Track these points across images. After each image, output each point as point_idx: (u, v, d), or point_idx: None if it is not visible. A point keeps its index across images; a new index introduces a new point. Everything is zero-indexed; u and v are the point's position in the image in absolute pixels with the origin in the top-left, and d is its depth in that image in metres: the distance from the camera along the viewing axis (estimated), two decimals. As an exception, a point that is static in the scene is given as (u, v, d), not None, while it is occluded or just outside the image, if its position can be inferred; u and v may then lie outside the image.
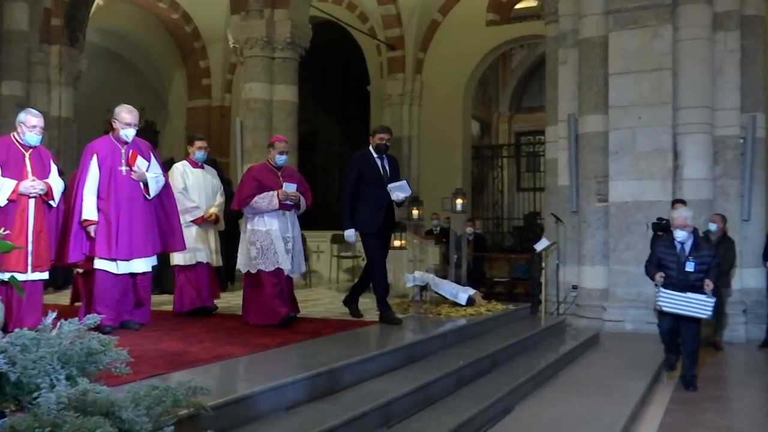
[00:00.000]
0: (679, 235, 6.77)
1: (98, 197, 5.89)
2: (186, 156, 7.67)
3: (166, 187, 6.29)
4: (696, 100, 9.49)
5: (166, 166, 7.09)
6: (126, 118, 5.98)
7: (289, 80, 13.34)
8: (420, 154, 18.18)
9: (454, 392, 5.37)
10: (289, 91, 13.36)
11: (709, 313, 6.73)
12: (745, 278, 9.61)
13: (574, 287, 10.37)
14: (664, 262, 6.84)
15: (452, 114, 17.87)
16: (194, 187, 7.38)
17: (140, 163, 6.01)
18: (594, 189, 10.05)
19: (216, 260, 7.55)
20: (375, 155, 6.95)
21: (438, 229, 14.34)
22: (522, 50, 22.26)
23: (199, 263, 7.31)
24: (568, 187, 10.54)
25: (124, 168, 5.98)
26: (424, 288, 8.18)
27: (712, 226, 8.52)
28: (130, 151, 6.01)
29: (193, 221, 7.27)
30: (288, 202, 6.60)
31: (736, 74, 9.62)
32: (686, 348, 7.02)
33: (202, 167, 7.56)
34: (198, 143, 7.56)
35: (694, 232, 6.98)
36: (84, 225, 5.86)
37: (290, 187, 6.60)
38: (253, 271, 6.58)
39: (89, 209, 5.86)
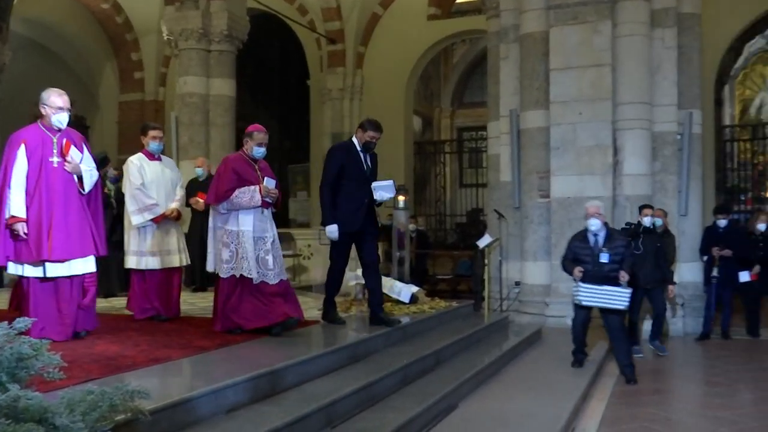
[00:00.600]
0: (593, 223, 7.03)
1: (26, 192, 5.32)
2: (141, 148, 7.12)
3: (96, 186, 5.76)
4: (635, 96, 9.76)
5: (101, 162, 6.88)
6: (57, 102, 5.42)
7: (226, 74, 13.23)
8: (361, 150, 18.20)
9: (399, 391, 5.42)
10: (226, 86, 13.25)
11: (626, 303, 7.03)
12: (682, 272, 9.92)
13: (517, 283, 10.55)
14: (579, 256, 7.07)
15: (394, 109, 17.93)
16: (153, 182, 6.91)
17: (74, 153, 5.48)
18: (536, 185, 10.24)
19: (182, 260, 7.13)
20: (359, 149, 6.71)
21: (380, 226, 14.38)
22: (464, 45, 22.48)
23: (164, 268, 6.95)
24: (510, 183, 10.71)
25: (56, 159, 5.42)
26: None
27: (658, 221, 8.68)
28: (64, 140, 5.47)
29: (153, 220, 6.87)
30: (268, 199, 6.09)
31: (674, 71, 9.93)
32: (615, 341, 7.29)
33: (159, 159, 7.09)
34: (152, 132, 7.06)
35: (606, 224, 7.28)
36: (10, 223, 5.27)
37: (271, 183, 6.11)
38: (224, 276, 6.05)
39: (17, 205, 5.28)
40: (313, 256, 14.84)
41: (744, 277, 9.58)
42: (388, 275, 8.82)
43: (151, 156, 7.05)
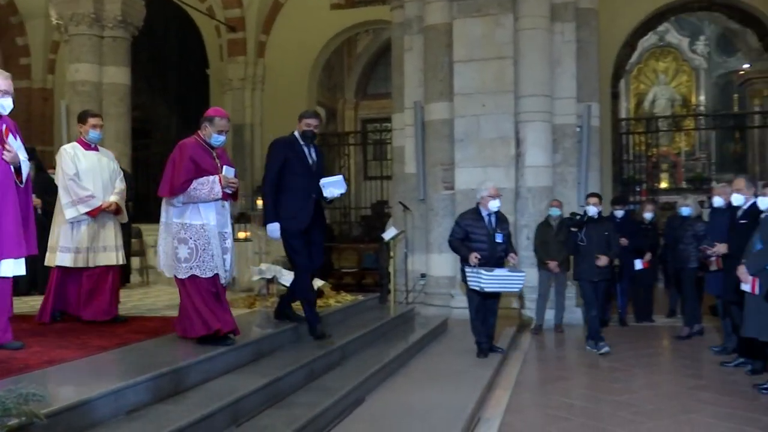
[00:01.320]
0: (494, 204, 7.30)
1: None
2: (78, 137, 6.75)
3: (28, 179, 5.23)
4: (536, 88, 10.06)
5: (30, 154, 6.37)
6: (0, 85, 4.90)
7: (120, 61, 12.85)
8: (263, 141, 17.98)
9: (305, 386, 5.44)
10: (120, 74, 12.87)
11: (521, 286, 7.45)
12: (582, 262, 10.30)
13: (423, 275, 10.71)
14: (473, 236, 7.28)
15: (297, 100, 17.82)
16: (88, 172, 6.47)
17: (12, 141, 4.96)
18: (440, 177, 10.42)
19: (118, 258, 6.65)
20: (301, 142, 6.49)
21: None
22: (368, 36, 22.58)
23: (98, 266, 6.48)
24: (415, 175, 10.85)
25: None
26: (270, 281, 8.17)
27: (591, 210, 8.76)
28: (4, 126, 4.95)
29: (88, 213, 6.41)
30: (227, 190, 5.63)
31: (573, 65, 10.30)
32: (489, 324, 7.58)
33: (96, 149, 6.68)
34: (92, 120, 6.67)
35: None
36: None
37: (230, 172, 5.60)
38: (183, 276, 5.45)
39: None
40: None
41: (638, 265, 10.09)
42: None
43: (87, 145, 6.64)
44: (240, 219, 12.78)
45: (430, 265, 10.58)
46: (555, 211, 9.47)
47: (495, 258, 7.33)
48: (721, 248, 7.39)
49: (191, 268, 5.40)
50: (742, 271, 6.34)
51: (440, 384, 6.26)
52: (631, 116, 23.30)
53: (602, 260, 8.09)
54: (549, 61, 10.17)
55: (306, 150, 6.49)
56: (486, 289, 7.18)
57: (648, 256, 10.11)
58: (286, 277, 8.14)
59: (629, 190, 18.50)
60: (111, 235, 6.60)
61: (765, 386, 6.33)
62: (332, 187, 6.45)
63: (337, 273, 13.77)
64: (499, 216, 7.46)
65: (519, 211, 10.00)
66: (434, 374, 6.68)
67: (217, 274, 5.47)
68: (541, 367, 7.67)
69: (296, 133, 6.54)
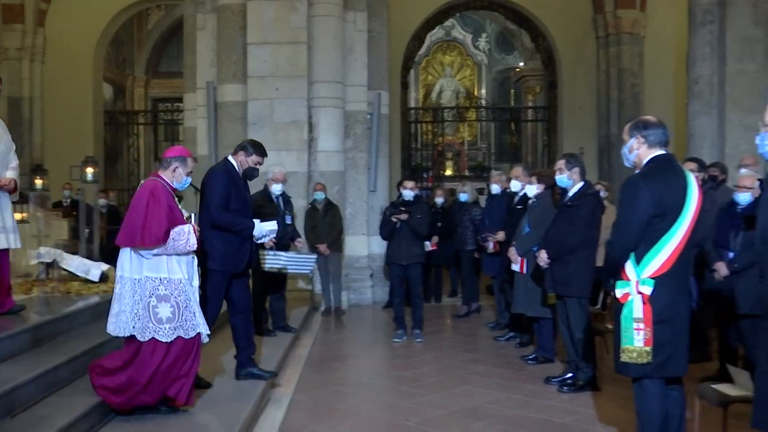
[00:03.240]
0: (276, 188, 7.66)
1: None
2: None
3: None
4: (329, 75, 10.22)
5: None
6: None
7: None
8: (44, 117, 16.81)
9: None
10: None
11: (311, 267, 7.77)
12: (371, 245, 10.66)
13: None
14: (265, 217, 7.38)
15: (81, 74, 16.82)
16: None
17: None
18: (233, 159, 10.28)
19: (13, 241, 5.80)
20: (240, 175, 5.80)
21: (69, 200, 13.50)
22: (159, 11, 21.75)
23: None
24: (207, 157, 10.62)
25: None
26: (50, 265, 7.71)
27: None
28: None
29: None
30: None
31: (364, 53, 10.59)
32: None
33: None
34: None
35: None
36: None
37: (194, 218, 5.00)
38: (168, 339, 4.65)
39: None
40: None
41: (427, 247, 10.54)
42: (76, 253, 8.35)
43: None
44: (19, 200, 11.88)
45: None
46: (320, 195, 9.47)
47: (285, 239, 7.53)
48: (500, 236, 7.92)
49: (175, 329, 4.65)
50: (512, 252, 6.90)
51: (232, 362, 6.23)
52: (419, 106, 24.29)
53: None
54: (342, 48, 10.36)
55: (242, 184, 5.82)
56: (288, 269, 7.49)
57: (435, 238, 10.60)
58: (68, 261, 7.72)
59: (417, 176, 19.30)
60: (8, 215, 5.76)
61: (530, 357, 6.92)
62: (268, 231, 5.72)
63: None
64: (286, 199, 7.65)
65: (311, 196, 10.12)
66: (227, 354, 6.63)
67: (199, 333, 4.78)
68: (331, 347, 7.86)
69: (233, 162, 5.82)
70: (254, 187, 6.78)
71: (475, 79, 26.88)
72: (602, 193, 7.58)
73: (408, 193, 8.17)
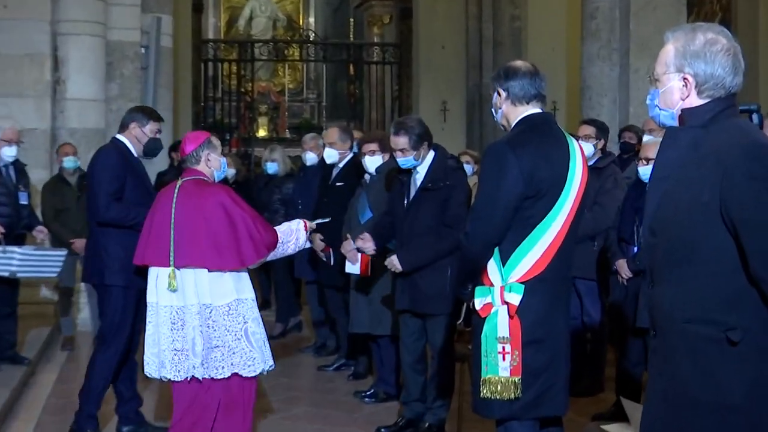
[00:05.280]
0: (9, 152, 7.25)
1: None
2: None
3: None
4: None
5: None
6: None
7: None
8: None
9: None
10: None
11: (59, 269, 7.38)
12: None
13: None
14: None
15: None
16: None
17: None
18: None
19: None
20: (135, 154, 5.87)
21: None
22: None
23: None
24: None
25: None
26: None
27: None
28: None
29: None
30: None
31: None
32: None
33: None
34: None
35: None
36: None
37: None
38: (253, 374, 5.02)
39: None
40: None
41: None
42: None
43: None
44: None
45: None
46: (70, 162, 8.85)
47: (19, 228, 7.27)
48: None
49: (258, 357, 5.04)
50: (347, 246, 6.50)
51: None
52: (219, 38, 24.01)
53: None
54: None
55: (141, 168, 5.95)
56: (18, 275, 7.01)
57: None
58: None
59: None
60: None
61: (368, 393, 6.94)
62: None
63: None
64: (19, 168, 7.41)
65: (58, 163, 9.81)
66: None
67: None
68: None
69: (125, 142, 5.84)
70: None
71: (301, 3, 26.92)
72: (468, 168, 7.76)
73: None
